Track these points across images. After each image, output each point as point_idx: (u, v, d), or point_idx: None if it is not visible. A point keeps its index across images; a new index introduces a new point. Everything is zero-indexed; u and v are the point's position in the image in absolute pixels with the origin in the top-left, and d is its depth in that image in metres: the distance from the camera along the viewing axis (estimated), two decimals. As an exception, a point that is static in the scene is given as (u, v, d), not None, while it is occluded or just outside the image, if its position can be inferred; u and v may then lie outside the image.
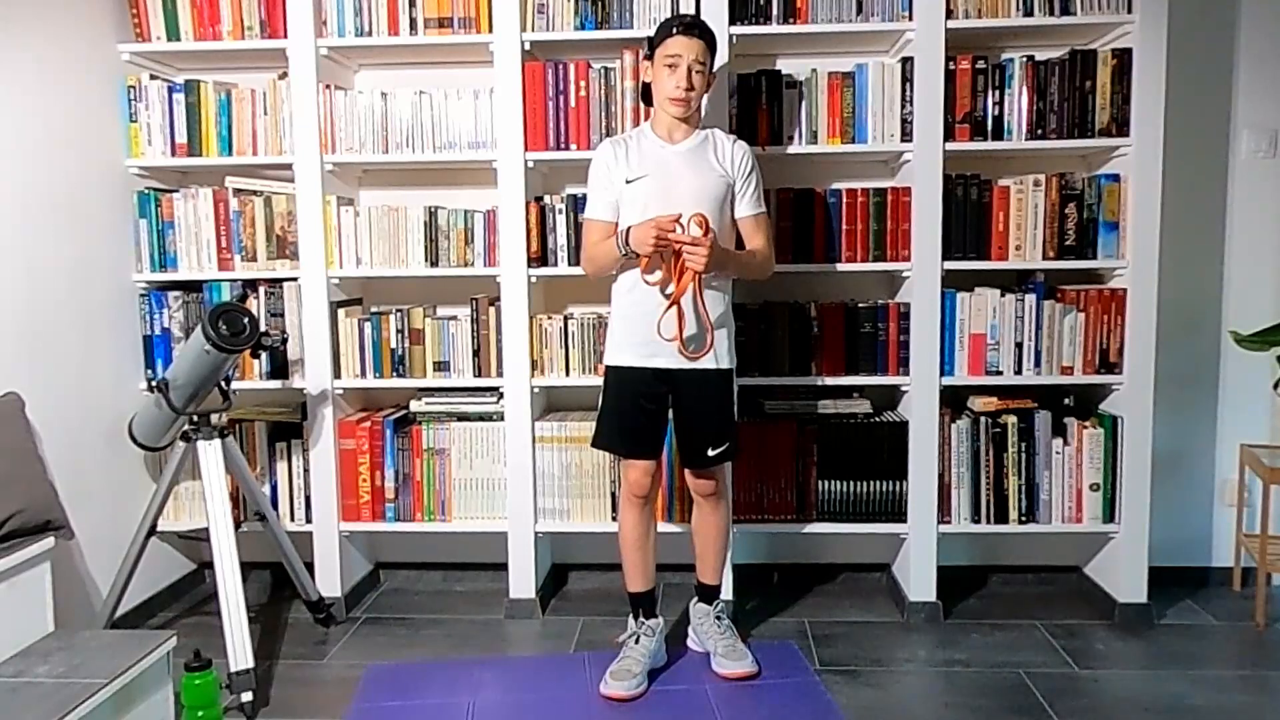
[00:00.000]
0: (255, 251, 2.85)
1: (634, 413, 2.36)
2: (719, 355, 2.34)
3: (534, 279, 2.78)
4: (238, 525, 2.58)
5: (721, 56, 2.64)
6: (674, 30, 2.24)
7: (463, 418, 2.91)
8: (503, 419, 2.82)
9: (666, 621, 2.59)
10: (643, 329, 2.30)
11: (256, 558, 3.03)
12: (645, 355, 2.32)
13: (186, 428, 2.49)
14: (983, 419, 2.78)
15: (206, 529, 2.38)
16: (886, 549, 3.02)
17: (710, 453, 2.38)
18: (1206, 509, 3.05)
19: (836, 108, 2.71)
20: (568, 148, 2.74)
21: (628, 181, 2.32)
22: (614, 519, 2.84)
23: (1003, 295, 2.73)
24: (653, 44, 2.29)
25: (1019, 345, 2.74)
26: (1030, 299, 2.72)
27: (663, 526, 2.80)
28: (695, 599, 2.59)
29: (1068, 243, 2.70)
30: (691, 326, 2.28)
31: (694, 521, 2.53)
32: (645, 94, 2.44)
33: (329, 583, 2.88)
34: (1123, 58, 2.63)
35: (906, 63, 2.66)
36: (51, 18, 2.55)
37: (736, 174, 2.33)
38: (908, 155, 2.70)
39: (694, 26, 2.26)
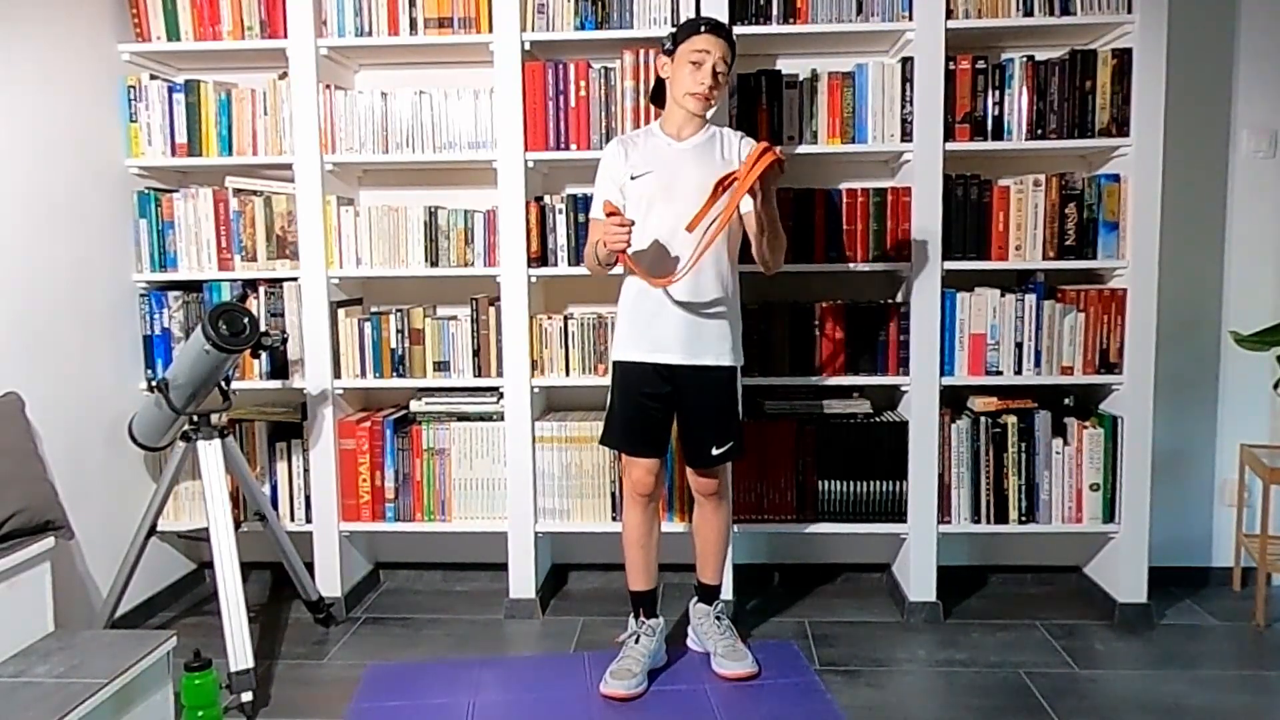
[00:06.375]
0: (255, 251, 2.85)
1: (638, 410, 2.36)
2: (721, 352, 2.34)
3: (534, 279, 2.78)
4: (238, 525, 2.58)
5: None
6: (701, 28, 2.27)
7: (463, 418, 2.91)
8: (503, 419, 2.82)
9: (667, 621, 2.59)
10: (646, 325, 2.31)
11: (256, 558, 3.03)
12: (648, 350, 2.32)
13: (186, 428, 2.49)
14: (983, 419, 2.78)
15: (206, 529, 2.38)
16: (886, 549, 3.02)
17: (714, 451, 2.38)
18: (1206, 509, 3.05)
19: (836, 108, 2.72)
20: (568, 148, 2.74)
21: (632, 178, 2.33)
22: (614, 519, 2.84)
23: (1003, 295, 2.73)
24: (676, 40, 2.31)
25: (1019, 345, 2.74)
26: (1030, 299, 2.72)
27: (664, 526, 2.81)
28: (695, 599, 2.59)
29: (1068, 243, 2.70)
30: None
31: (695, 521, 2.53)
32: (656, 92, 2.45)
33: (329, 583, 2.88)
34: (1123, 58, 2.63)
35: (906, 63, 2.66)
36: (51, 18, 2.54)
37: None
38: (908, 155, 2.70)
39: (721, 27, 2.30)
